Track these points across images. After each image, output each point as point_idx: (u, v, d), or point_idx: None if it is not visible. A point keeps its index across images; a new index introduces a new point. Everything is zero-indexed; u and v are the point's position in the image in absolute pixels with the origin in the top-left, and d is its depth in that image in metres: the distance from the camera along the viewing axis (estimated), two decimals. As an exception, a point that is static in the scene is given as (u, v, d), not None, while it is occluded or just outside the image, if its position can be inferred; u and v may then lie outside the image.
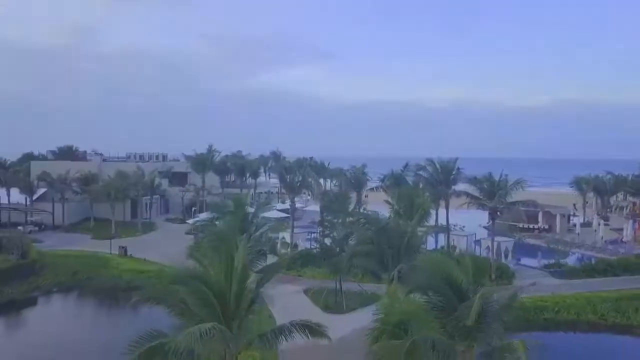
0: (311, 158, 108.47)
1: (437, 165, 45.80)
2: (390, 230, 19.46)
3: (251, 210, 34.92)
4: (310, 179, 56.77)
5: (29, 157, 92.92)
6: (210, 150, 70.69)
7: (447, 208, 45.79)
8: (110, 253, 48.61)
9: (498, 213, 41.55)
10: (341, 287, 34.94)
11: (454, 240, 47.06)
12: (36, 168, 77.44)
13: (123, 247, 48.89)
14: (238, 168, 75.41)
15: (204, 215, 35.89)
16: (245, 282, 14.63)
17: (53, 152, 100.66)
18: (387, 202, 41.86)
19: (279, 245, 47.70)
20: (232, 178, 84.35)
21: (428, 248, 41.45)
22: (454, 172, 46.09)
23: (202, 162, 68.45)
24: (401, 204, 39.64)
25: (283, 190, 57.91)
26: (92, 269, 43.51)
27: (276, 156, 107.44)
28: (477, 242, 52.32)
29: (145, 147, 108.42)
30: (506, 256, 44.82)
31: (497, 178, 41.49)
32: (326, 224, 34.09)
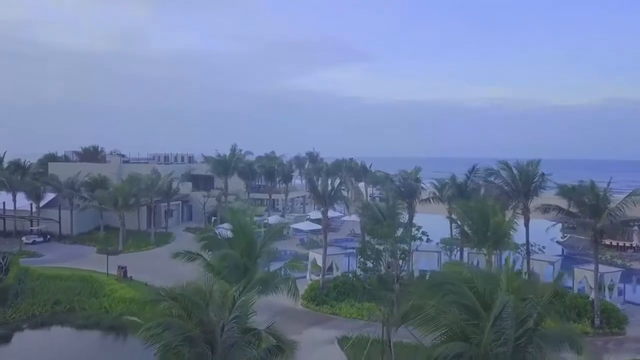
0: (351, 159, 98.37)
1: (514, 170, 35.05)
2: (504, 312, 9.73)
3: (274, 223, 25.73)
4: (348, 184, 47.00)
5: (50, 158, 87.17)
6: (233, 150, 61.79)
7: (526, 225, 34.99)
8: (108, 274, 40.46)
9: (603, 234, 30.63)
10: (390, 339, 25.15)
11: (533, 266, 36.12)
12: (55, 170, 71.66)
13: (122, 268, 40.65)
14: (267, 171, 66.30)
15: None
16: None
17: (77, 153, 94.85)
18: (451, 219, 31.76)
19: (308, 271, 38.21)
20: (263, 181, 75.47)
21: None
22: (535, 179, 35.22)
23: (224, 165, 59.60)
24: (470, 222, 29.55)
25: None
26: (78, 296, 35.22)
27: (312, 157, 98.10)
28: (564, 260, 41.01)
29: (179, 149, 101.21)
30: (610, 291, 33.68)
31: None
32: (369, 252, 24.63)
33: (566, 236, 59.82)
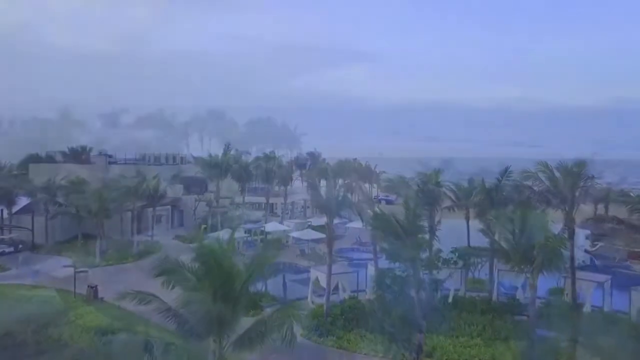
0: (355, 159, 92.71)
1: (556, 173, 29.26)
2: None
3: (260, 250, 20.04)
4: (356, 188, 41.26)
5: (33, 159, 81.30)
6: (226, 150, 55.97)
7: (572, 237, 29.16)
8: (75, 295, 34.79)
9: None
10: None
11: (580, 287, 30.26)
12: (36, 172, 66.16)
13: (92, 287, 34.93)
14: (264, 172, 60.56)
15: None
16: None
17: (63, 154, 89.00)
18: (483, 232, 25.98)
19: (309, 292, 32.44)
20: (260, 184, 69.70)
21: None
22: (581, 183, 29.44)
23: (216, 166, 53.80)
24: (511, 237, 23.74)
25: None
26: (33, 326, 29.39)
27: (314, 157, 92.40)
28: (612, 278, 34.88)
29: (181, 149, 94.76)
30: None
31: None
32: (387, 281, 18.97)
33: (596, 244, 53.83)
